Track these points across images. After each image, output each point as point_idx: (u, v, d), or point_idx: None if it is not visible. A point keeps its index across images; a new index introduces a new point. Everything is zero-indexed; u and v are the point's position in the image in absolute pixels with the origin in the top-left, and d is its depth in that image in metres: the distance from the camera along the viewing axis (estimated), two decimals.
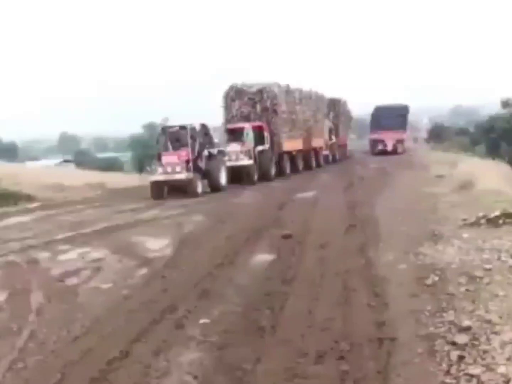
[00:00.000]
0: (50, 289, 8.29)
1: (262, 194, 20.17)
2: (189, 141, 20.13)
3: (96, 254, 10.60)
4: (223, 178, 21.22)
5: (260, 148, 24.65)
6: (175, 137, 21.20)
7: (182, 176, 19.38)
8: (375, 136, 40.90)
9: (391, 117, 40.45)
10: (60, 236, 12.73)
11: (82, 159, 64.06)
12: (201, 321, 6.48)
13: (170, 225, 13.69)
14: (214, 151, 21.30)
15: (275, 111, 26.36)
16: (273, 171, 25.35)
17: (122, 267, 9.46)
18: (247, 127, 24.45)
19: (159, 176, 19.71)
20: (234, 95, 26.72)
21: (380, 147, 39.98)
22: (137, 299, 7.49)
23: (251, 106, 26.35)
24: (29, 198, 20.09)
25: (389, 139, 39.88)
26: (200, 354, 5.62)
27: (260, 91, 26.35)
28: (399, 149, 39.76)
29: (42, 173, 29.99)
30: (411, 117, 46.02)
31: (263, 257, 9.63)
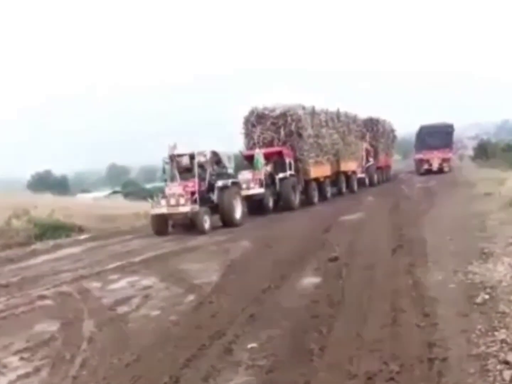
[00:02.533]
0: (102, 317, 8.43)
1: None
2: (197, 170, 18.47)
3: (144, 282, 10.76)
4: (237, 212, 19.21)
5: (281, 175, 23.23)
6: (183, 166, 19.26)
7: (187, 209, 17.58)
8: (420, 155, 40.37)
9: (436, 136, 39.91)
10: (110, 266, 12.94)
11: (130, 189, 64.95)
12: (249, 345, 6.51)
13: (216, 252, 13.80)
14: (228, 182, 19.30)
15: (300, 135, 24.59)
16: (296, 199, 23.59)
17: (170, 294, 9.56)
18: (257, 152, 22.69)
19: (161, 209, 17.89)
20: (255, 120, 25.15)
21: (425, 166, 39.42)
22: (186, 325, 7.56)
23: (274, 131, 24.69)
24: (80, 229, 20.47)
25: (435, 159, 39.33)
26: (248, 378, 5.65)
27: (284, 114, 24.65)
28: (445, 168, 39.13)
29: (92, 204, 30.55)
30: (456, 135, 45.32)
31: (309, 281, 9.62)
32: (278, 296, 8.72)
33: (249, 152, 24.00)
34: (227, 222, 18.77)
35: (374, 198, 25.91)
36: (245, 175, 21.97)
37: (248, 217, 20.28)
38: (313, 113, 26.08)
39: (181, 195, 17.65)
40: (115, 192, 63.71)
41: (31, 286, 11.43)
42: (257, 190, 21.77)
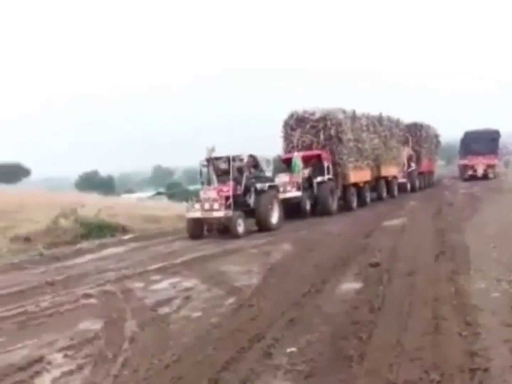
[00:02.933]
0: (143, 317, 8.55)
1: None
2: (234, 174, 18.37)
3: (186, 283, 10.87)
4: (274, 216, 18.97)
5: (319, 179, 22.86)
6: (220, 169, 19.18)
7: (220, 214, 17.46)
8: (465, 161, 39.71)
9: (481, 142, 39.22)
10: (152, 267, 13.11)
11: (174, 191, 65.50)
12: (289, 349, 6.53)
13: (257, 254, 13.86)
14: (265, 185, 19.00)
15: (340, 140, 24.12)
16: (334, 204, 23.14)
17: (211, 296, 9.65)
18: (295, 155, 22.52)
19: (195, 213, 17.86)
20: (295, 123, 24.86)
21: (469, 172, 38.76)
22: (226, 328, 7.62)
23: (314, 135, 24.32)
24: (124, 229, 20.74)
25: (480, 164, 38.65)
26: (287, 383, 5.68)
27: (324, 118, 24.24)
28: (490, 175, 38.39)
29: (136, 205, 30.92)
30: (502, 141, 44.42)
31: (350, 286, 9.61)
32: (318, 301, 8.73)
33: (287, 155, 23.88)
34: (263, 226, 18.59)
35: (415, 203, 25.42)
36: (282, 178, 21.66)
37: (286, 220, 20.09)
38: (353, 117, 25.68)
39: (215, 200, 17.60)
40: (159, 193, 64.30)
41: (76, 284, 11.67)
42: (294, 193, 21.57)
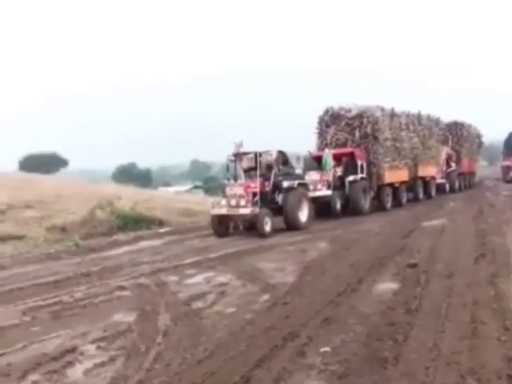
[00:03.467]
0: (177, 311, 8.54)
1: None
2: (261, 170, 17.98)
3: (220, 278, 10.84)
4: (303, 215, 18.42)
5: (351, 178, 22.21)
6: (248, 165, 18.68)
7: (247, 211, 16.87)
8: (508, 162, 39.04)
9: None
10: (187, 261, 13.12)
11: (210, 185, 65.75)
12: (322, 349, 6.43)
13: (293, 251, 13.77)
14: (294, 183, 18.43)
15: (376, 138, 23.36)
16: (367, 204, 22.44)
17: (245, 292, 9.59)
18: (326, 153, 21.75)
19: (221, 210, 17.23)
20: (330, 120, 24.22)
21: None
22: (259, 325, 7.54)
23: (349, 132, 23.65)
24: (160, 222, 20.84)
25: None
26: (320, 383, 5.58)
27: (360, 115, 23.57)
28: None
29: (173, 198, 31.04)
30: None
31: (387, 286, 9.46)
32: (353, 300, 8.60)
33: (318, 153, 23.19)
34: (291, 225, 18.02)
35: (455, 204, 24.97)
36: (312, 176, 21.08)
37: (321, 219, 20.04)
38: (392, 115, 24.97)
39: (241, 196, 17.08)
40: (196, 187, 64.66)
41: (110, 276, 11.74)
42: (324, 192, 20.93)
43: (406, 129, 26.02)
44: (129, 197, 22.85)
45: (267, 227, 16.87)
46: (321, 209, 21.10)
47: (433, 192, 29.44)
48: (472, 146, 37.68)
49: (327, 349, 6.44)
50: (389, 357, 6.04)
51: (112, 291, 10.25)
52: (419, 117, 27.90)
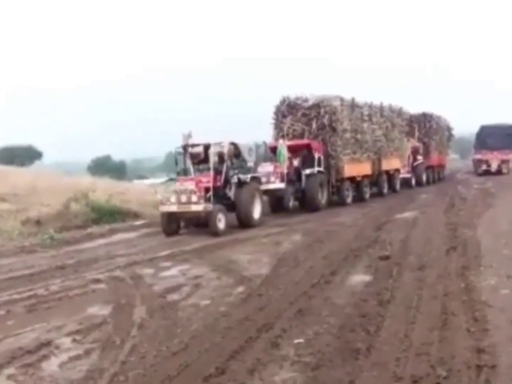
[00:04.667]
0: (152, 304, 8.59)
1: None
2: (212, 164, 16.60)
3: (195, 271, 10.90)
4: (256, 211, 17.37)
5: (307, 171, 20.90)
6: (198, 158, 17.45)
7: (199, 207, 15.57)
8: (479, 156, 39.36)
9: (496, 137, 38.79)
10: (162, 253, 13.16)
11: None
12: (296, 340, 6.53)
13: (268, 244, 13.86)
14: (246, 177, 17.23)
15: (333, 129, 22.09)
16: (323, 199, 21.22)
17: (220, 285, 9.67)
18: (280, 143, 20.23)
19: (171, 207, 15.97)
20: (286, 110, 22.86)
21: (484, 167, 38.38)
22: (234, 317, 7.63)
23: (306, 123, 22.39)
24: (136, 215, 20.77)
25: (494, 159, 38.30)
26: (294, 374, 5.67)
27: (317, 105, 22.26)
28: (504, 170, 38.02)
29: (148, 191, 30.91)
30: None
31: (359, 278, 9.60)
32: (327, 292, 8.71)
33: (274, 144, 21.72)
34: (244, 221, 16.99)
35: (425, 198, 24.69)
36: (265, 168, 20.15)
37: (269, 215, 19.68)
38: (352, 105, 23.62)
39: (193, 192, 15.75)
40: (171, 180, 64.12)
41: (86, 269, 11.75)
42: (277, 184, 19.69)
43: (368, 121, 24.87)
44: (104, 190, 22.70)
45: (221, 225, 15.71)
46: (275, 202, 20.55)
47: (398, 186, 28.23)
48: (442, 138, 36.95)
49: (300, 340, 6.53)
50: (362, 348, 6.15)
51: (87, 284, 10.26)
52: (381, 108, 26.65)
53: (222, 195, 16.83)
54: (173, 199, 15.99)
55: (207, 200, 15.79)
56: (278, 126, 23.07)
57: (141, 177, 77.96)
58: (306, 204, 20.95)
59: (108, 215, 19.63)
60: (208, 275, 10.50)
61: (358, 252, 11.88)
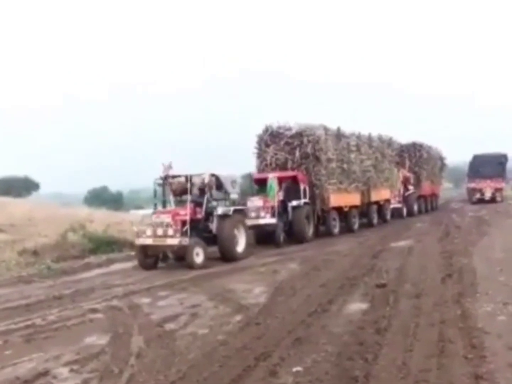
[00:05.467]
0: (150, 333, 8.58)
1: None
2: (192, 196, 16.27)
3: (193, 300, 10.89)
4: (240, 244, 16.81)
5: (294, 203, 20.46)
6: (179, 190, 16.89)
7: (175, 241, 14.93)
8: (473, 184, 39.78)
9: (489, 166, 39.31)
10: (159, 283, 13.16)
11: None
12: (294, 369, 6.54)
13: (265, 273, 13.88)
14: (229, 209, 16.70)
15: (317, 158, 21.55)
16: (310, 231, 20.82)
17: (217, 313, 9.67)
18: (271, 177, 19.74)
19: (146, 240, 15.31)
20: (269, 139, 22.35)
21: (477, 195, 38.77)
22: (232, 345, 7.63)
23: (289, 152, 21.90)
24: (132, 245, 20.72)
25: (487, 188, 38.70)
26: None
27: (300, 134, 21.81)
28: (498, 198, 38.39)
29: (143, 221, 30.90)
30: (510, 165, 44.49)
31: (356, 306, 9.62)
32: (324, 320, 8.73)
33: (261, 176, 21.41)
34: (227, 255, 16.33)
35: (418, 229, 24.16)
36: (255, 202, 19.80)
37: (257, 248, 19.02)
38: (338, 135, 23.28)
39: (169, 225, 15.22)
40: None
41: (83, 298, 11.72)
42: (268, 220, 19.35)
43: (356, 151, 24.48)
44: (101, 220, 22.75)
45: (198, 259, 15.06)
46: (264, 237, 19.90)
47: (388, 216, 27.95)
48: (434, 168, 36.73)
49: (299, 368, 6.55)
50: (360, 376, 6.17)
51: (85, 314, 10.24)
52: (369, 138, 26.42)
53: (203, 228, 16.33)
54: (149, 231, 15.41)
55: (184, 233, 15.15)
56: (261, 155, 22.64)
57: (138, 207, 77.80)
58: (294, 236, 20.38)
59: (105, 245, 19.62)
60: (205, 304, 10.49)
61: (355, 280, 11.91)
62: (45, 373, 7.02)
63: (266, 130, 22.66)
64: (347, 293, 10.67)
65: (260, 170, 22.40)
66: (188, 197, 15.86)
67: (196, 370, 6.71)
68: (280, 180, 20.45)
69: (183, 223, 15.28)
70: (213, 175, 16.68)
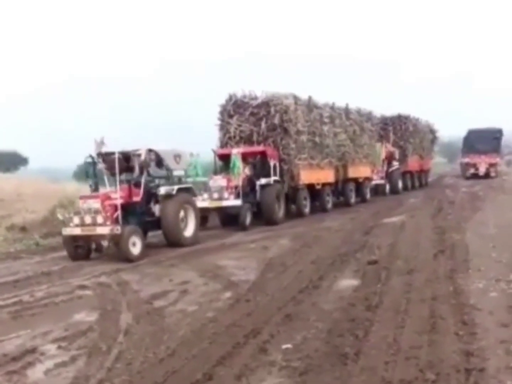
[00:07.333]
0: (139, 310, 8.52)
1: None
2: (126, 175, 14.67)
3: (182, 277, 10.81)
4: (189, 228, 15.06)
5: (263, 181, 18.65)
6: (112, 168, 13.86)
7: (105, 230, 12.89)
8: (467, 159, 39.66)
9: (484, 141, 39.15)
10: (148, 259, 13.07)
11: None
12: (284, 346, 6.48)
13: (255, 249, 13.81)
14: (172, 188, 14.75)
15: (285, 131, 19.60)
16: (281, 212, 19.07)
17: (207, 290, 9.60)
18: (235, 153, 18.00)
19: (73, 229, 13.28)
20: (233, 109, 20.33)
21: (472, 171, 38.69)
22: (222, 322, 7.57)
23: (254, 123, 19.89)
24: None
25: (482, 163, 38.59)
26: (282, 379, 5.62)
27: (267, 104, 19.80)
28: (492, 173, 38.35)
29: None
30: (505, 140, 44.45)
31: (347, 283, 9.56)
32: (315, 297, 8.67)
33: (224, 151, 19.55)
34: (172, 240, 14.68)
35: (409, 203, 24.01)
36: (217, 181, 18.09)
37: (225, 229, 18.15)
38: (310, 105, 21.31)
39: (98, 212, 13.11)
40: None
41: (71, 275, 11.64)
42: (232, 201, 17.55)
43: (329, 123, 22.49)
44: None
45: (135, 249, 13.04)
46: (229, 219, 18.34)
47: (368, 195, 26.25)
48: (423, 141, 35.17)
49: (288, 345, 6.48)
50: (350, 353, 6.10)
51: (73, 290, 10.16)
52: (346, 111, 24.46)
53: (145, 211, 14.66)
54: (76, 220, 13.31)
55: (115, 221, 13.18)
56: (224, 127, 20.64)
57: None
58: (263, 219, 18.76)
59: None
60: (195, 280, 10.42)
61: (346, 257, 11.85)
62: (33, 350, 6.95)
63: (230, 99, 20.65)
64: (338, 270, 10.60)
65: (223, 143, 20.57)
66: (117, 177, 13.38)
67: (185, 347, 6.65)
68: (247, 156, 19.16)
69: (116, 208, 13.30)
70: (150, 150, 14.82)
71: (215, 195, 17.78)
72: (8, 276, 11.89)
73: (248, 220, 17.83)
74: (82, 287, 10.39)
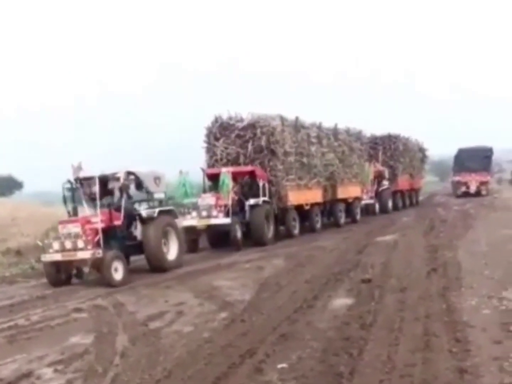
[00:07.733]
0: (135, 332, 8.53)
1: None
2: (106, 199, 14.35)
3: (178, 298, 10.84)
4: (171, 251, 14.81)
5: (252, 201, 18.64)
6: (92, 193, 14.05)
7: (87, 254, 12.56)
8: (458, 178, 39.92)
9: (474, 159, 39.46)
10: (143, 281, 13.10)
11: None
12: (280, 365, 6.52)
13: (250, 269, 13.85)
14: (153, 211, 14.50)
15: (272, 152, 19.54)
16: (270, 233, 18.93)
17: (203, 311, 9.63)
18: (224, 171, 17.92)
19: (54, 255, 12.91)
20: (218, 131, 20.21)
21: (463, 189, 38.91)
22: (217, 343, 7.59)
23: (240, 145, 19.87)
24: None
25: (473, 181, 38.84)
26: None
27: (253, 126, 19.72)
28: (483, 191, 38.54)
29: None
30: (495, 158, 44.79)
31: (342, 301, 9.62)
32: (309, 316, 8.71)
33: (213, 171, 19.25)
34: (154, 264, 14.38)
35: (401, 222, 24.17)
36: (206, 200, 18.01)
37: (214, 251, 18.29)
38: (297, 126, 21.29)
39: (78, 236, 12.82)
40: None
41: (67, 298, 11.66)
42: (221, 219, 17.35)
43: (317, 143, 22.46)
44: None
45: (117, 275, 12.76)
46: (218, 239, 18.45)
47: (358, 215, 25.81)
48: (413, 161, 34.95)
49: (284, 365, 6.52)
50: (345, 371, 6.15)
51: (69, 313, 10.19)
52: (335, 131, 24.43)
53: (126, 235, 14.34)
54: (56, 245, 12.96)
55: (97, 244, 12.88)
56: (210, 150, 20.48)
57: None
58: (252, 239, 18.59)
59: None
60: (190, 301, 10.45)
61: (340, 275, 11.91)
62: (29, 374, 6.97)
63: (216, 121, 20.48)
64: (332, 289, 10.66)
65: (210, 166, 20.29)
66: (97, 202, 13.27)
67: (181, 368, 6.68)
68: (236, 176, 18.96)
69: (96, 232, 13.04)
70: (129, 173, 14.54)
71: (204, 213, 17.62)
72: (3, 300, 11.91)
73: (239, 238, 17.70)
74: (78, 310, 10.40)
